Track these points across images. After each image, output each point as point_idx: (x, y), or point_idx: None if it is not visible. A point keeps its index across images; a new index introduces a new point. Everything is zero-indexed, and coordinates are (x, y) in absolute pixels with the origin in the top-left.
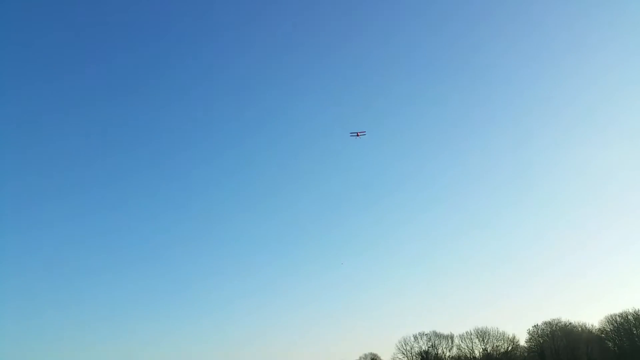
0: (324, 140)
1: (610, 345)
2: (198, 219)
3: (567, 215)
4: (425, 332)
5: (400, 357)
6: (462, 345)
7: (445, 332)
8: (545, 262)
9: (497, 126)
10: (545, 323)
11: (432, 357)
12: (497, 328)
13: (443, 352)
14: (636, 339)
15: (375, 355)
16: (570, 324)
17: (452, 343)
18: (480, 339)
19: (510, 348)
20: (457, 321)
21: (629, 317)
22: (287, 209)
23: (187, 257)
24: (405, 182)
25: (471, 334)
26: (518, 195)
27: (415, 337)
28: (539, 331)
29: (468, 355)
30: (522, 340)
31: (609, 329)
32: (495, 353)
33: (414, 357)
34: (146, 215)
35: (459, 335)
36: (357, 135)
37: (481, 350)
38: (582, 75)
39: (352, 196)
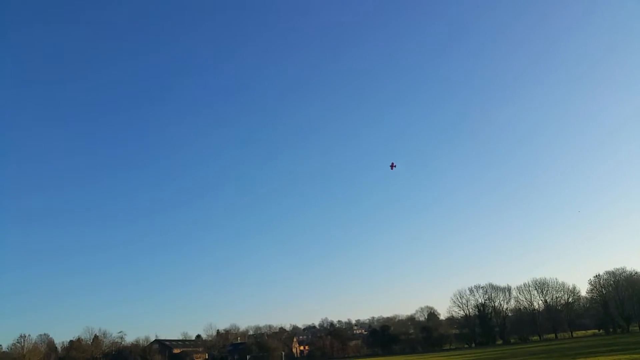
0: None
1: None
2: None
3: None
4: (481, 285)
5: (457, 310)
6: (520, 297)
7: (502, 284)
8: (607, 209)
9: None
10: (608, 273)
11: (490, 310)
12: (557, 279)
13: (500, 305)
14: None
15: (432, 308)
16: (636, 273)
17: (509, 295)
18: (539, 290)
19: (570, 299)
20: (514, 273)
21: None
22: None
23: None
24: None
25: (529, 286)
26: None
27: (471, 290)
28: (602, 281)
29: (527, 307)
30: (583, 291)
31: None
32: (555, 304)
33: (471, 310)
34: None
35: (517, 287)
36: (392, 167)
37: (541, 302)
38: None
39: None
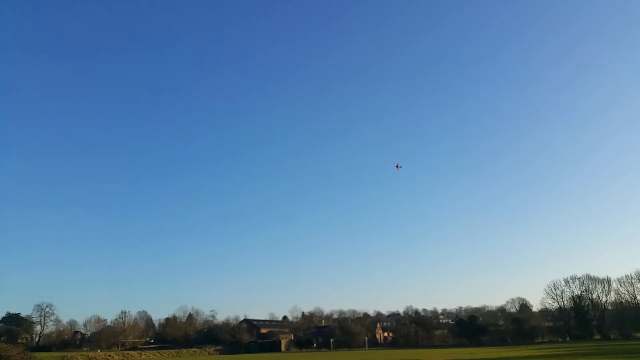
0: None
1: None
2: None
3: None
4: (578, 276)
5: (550, 302)
6: (622, 289)
7: (601, 275)
8: None
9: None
10: None
11: (587, 303)
12: None
13: (599, 297)
14: None
15: (523, 299)
16: None
17: (609, 287)
18: None
19: None
20: (615, 263)
21: None
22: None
23: None
24: None
25: (632, 278)
26: None
27: (567, 282)
28: None
29: (630, 301)
30: None
31: None
32: None
33: (566, 302)
34: None
35: (617, 279)
36: (398, 167)
37: None
38: None
39: None
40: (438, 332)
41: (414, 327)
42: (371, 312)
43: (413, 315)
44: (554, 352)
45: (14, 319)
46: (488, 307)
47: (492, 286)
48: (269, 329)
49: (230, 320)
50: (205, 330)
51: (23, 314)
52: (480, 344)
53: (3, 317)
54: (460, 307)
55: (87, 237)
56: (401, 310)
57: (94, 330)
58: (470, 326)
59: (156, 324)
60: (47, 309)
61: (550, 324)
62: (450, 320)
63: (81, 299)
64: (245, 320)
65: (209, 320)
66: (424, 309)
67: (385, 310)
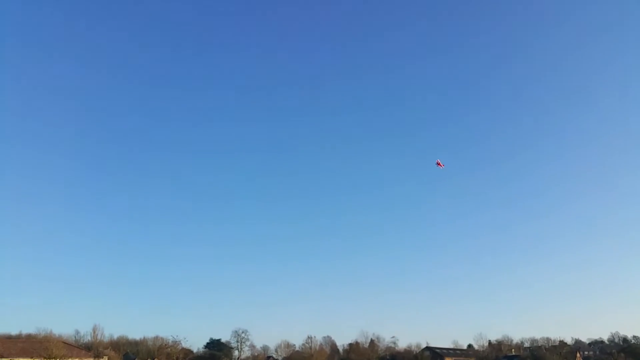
0: None
1: None
2: None
3: None
4: None
5: None
6: None
7: None
8: None
9: None
10: None
11: None
12: None
13: None
14: None
15: None
16: None
17: None
18: None
19: None
20: None
21: None
22: None
23: None
24: None
25: None
26: None
27: None
28: None
29: None
30: None
31: None
32: None
33: None
34: None
35: None
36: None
37: None
38: None
39: None
40: None
41: (623, 357)
42: (568, 340)
43: (620, 343)
44: None
45: (215, 345)
46: None
47: None
48: (453, 358)
49: (412, 347)
50: (387, 357)
51: (223, 340)
52: None
53: (207, 343)
54: None
55: (277, 269)
56: (605, 337)
57: (284, 355)
58: None
59: (340, 349)
60: (243, 335)
61: None
62: None
63: (271, 324)
64: (428, 348)
65: (390, 347)
66: (634, 336)
67: (585, 338)
